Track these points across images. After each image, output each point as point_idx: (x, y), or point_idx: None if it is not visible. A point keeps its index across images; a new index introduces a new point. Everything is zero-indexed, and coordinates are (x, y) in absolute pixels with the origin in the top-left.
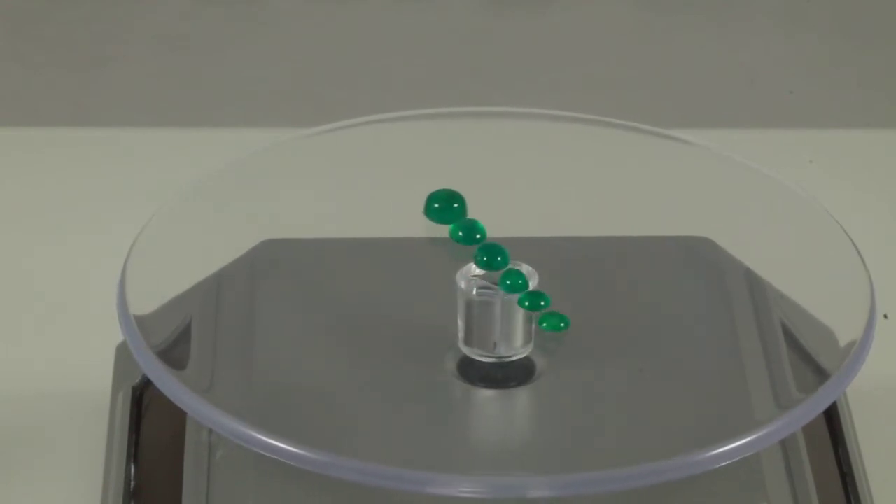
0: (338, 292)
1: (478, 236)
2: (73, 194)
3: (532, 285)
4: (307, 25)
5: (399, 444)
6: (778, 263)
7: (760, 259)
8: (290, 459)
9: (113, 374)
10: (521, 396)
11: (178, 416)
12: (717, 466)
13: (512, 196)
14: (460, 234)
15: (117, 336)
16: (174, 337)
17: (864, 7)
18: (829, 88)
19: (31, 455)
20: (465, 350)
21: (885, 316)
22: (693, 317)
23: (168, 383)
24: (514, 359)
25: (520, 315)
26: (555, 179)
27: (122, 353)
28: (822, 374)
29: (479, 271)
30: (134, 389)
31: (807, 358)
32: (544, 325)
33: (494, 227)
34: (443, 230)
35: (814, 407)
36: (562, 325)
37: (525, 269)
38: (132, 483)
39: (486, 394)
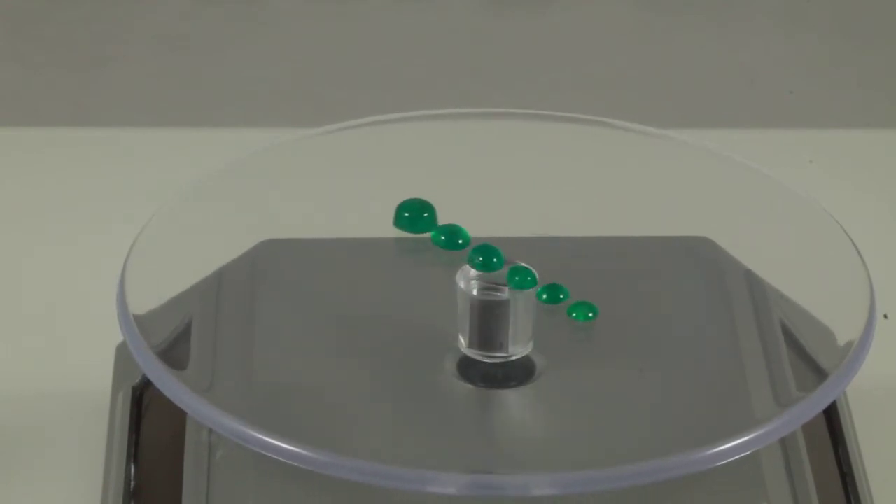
0: (338, 292)
1: (460, 241)
2: (73, 194)
3: (531, 286)
4: (307, 25)
5: (399, 443)
6: (778, 263)
7: (760, 259)
8: (290, 459)
9: (113, 374)
10: (521, 396)
11: (178, 416)
12: (717, 465)
13: (511, 196)
14: (442, 238)
15: (117, 336)
16: (174, 337)
17: (864, 7)
18: (829, 88)
19: (31, 455)
20: (465, 350)
21: (885, 316)
22: (693, 317)
23: (168, 383)
24: (514, 359)
25: (520, 315)
26: (555, 179)
27: (122, 353)
28: (821, 374)
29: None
30: (134, 389)
31: (806, 358)
32: (574, 314)
33: (494, 227)
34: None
35: (813, 405)
36: (590, 314)
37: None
38: (132, 483)
39: (486, 394)
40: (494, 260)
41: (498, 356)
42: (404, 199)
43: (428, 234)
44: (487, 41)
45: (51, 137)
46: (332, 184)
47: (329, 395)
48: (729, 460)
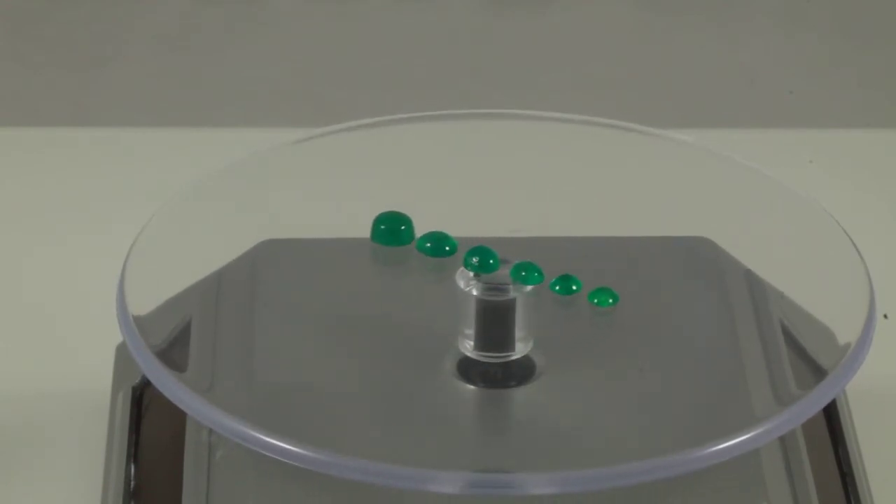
0: (338, 292)
1: (447, 248)
2: (73, 194)
3: (530, 286)
4: (307, 25)
5: (399, 443)
6: (778, 263)
7: (760, 259)
8: (291, 459)
9: (113, 374)
10: (521, 396)
11: (178, 416)
12: (718, 463)
13: (511, 196)
14: (428, 245)
15: (117, 336)
16: (174, 337)
17: (864, 7)
18: (829, 88)
19: (31, 455)
20: (465, 350)
21: (885, 316)
22: (693, 317)
23: (167, 384)
24: (514, 358)
25: (519, 314)
26: (555, 179)
27: (122, 353)
28: (821, 374)
29: None
30: (134, 389)
31: (806, 357)
32: (596, 301)
33: (494, 227)
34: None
35: (813, 404)
36: (611, 300)
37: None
38: (132, 483)
39: (486, 393)
40: (490, 261)
41: (498, 356)
42: (403, 199)
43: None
44: (487, 41)
45: (51, 137)
46: (332, 184)
47: (329, 395)
48: (729, 458)
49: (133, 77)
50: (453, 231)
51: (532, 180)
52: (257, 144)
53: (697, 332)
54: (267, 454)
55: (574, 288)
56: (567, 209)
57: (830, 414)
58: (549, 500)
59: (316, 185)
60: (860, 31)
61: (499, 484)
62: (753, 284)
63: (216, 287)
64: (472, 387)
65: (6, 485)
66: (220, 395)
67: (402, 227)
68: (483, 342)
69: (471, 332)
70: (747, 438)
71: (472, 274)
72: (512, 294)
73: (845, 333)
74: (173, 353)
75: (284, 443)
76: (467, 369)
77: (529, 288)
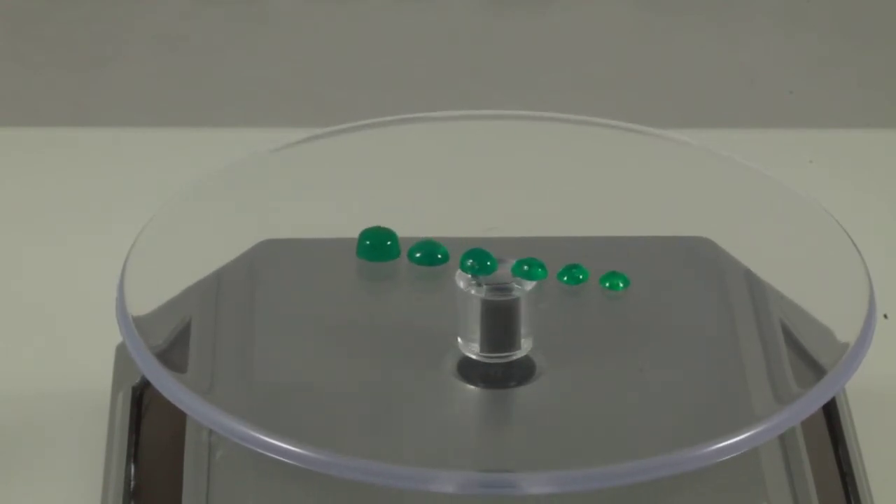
0: (337, 292)
1: (439, 256)
2: (73, 194)
3: (529, 287)
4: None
5: (399, 443)
6: (778, 263)
7: (760, 259)
8: (291, 459)
9: (113, 374)
10: (521, 396)
11: (178, 416)
12: (718, 461)
13: (512, 196)
14: (418, 255)
15: (117, 336)
16: (173, 337)
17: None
18: (829, 88)
19: (31, 455)
20: (465, 350)
21: (885, 316)
22: (693, 317)
23: (167, 384)
24: (513, 358)
25: (519, 314)
26: (555, 179)
27: (122, 353)
28: (821, 373)
29: None
30: (134, 389)
31: (806, 357)
32: (607, 284)
33: (494, 228)
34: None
35: (813, 402)
36: (621, 284)
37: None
38: (132, 483)
39: (486, 393)
40: (488, 263)
41: (498, 356)
42: (403, 199)
43: (428, 235)
44: (487, 41)
45: (51, 137)
46: (331, 184)
47: (329, 395)
48: (729, 457)
49: (133, 77)
50: (453, 231)
51: (532, 180)
52: (257, 144)
53: (697, 331)
54: (267, 454)
55: (581, 277)
56: (567, 209)
57: (830, 414)
58: (550, 500)
59: (316, 185)
60: (860, 31)
61: (499, 484)
62: (753, 284)
63: (216, 287)
64: (472, 387)
65: (6, 485)
66: (220, 395)
67: (388, 243)
68: (483, 342)
69: (470, 332)
70: (747, 437)
71: (470, 275)
72: (511, 294)
73: (845, 333)
74: (173, 353)
75: (284, 443)
76: (467, 369)
77: (530, 287)
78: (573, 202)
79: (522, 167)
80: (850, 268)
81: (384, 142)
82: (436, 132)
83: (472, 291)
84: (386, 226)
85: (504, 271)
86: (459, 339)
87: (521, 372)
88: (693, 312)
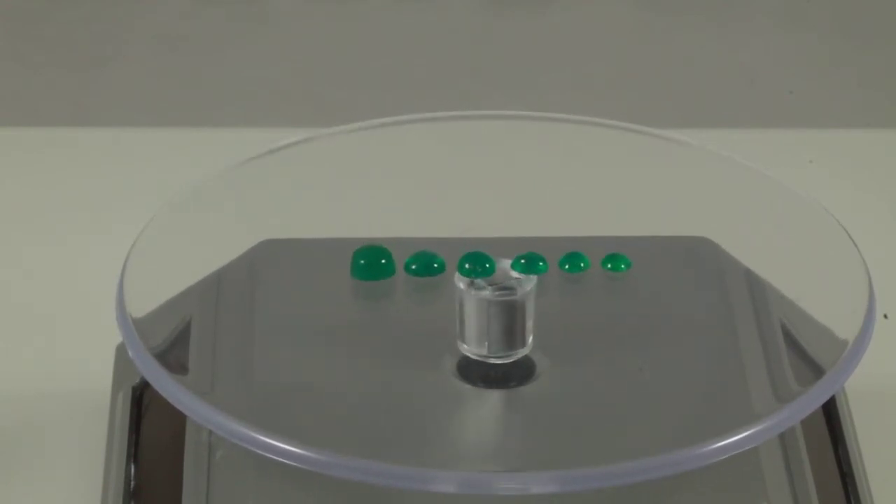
0: (337, 292)
1: (435, 265)
2: (73, 194)
3: (529, 287)
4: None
5: (399, 443)
6: (778, 263)
7: (760, 259)
8: (291, 459)
9: (113, 374)
10: (521, 396)
11: (178, 416)
12: (718, 460)
13: (512, 196)
14: (413, 267)
15: (117, 336)
16: (174, 337)
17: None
18: (829, 88)
19: (31, 455)
20: (465, 350)
21: (886, 316)
22: (693, 317)
23: (166, 385)
24: (513, 359)
25: (520, 314)
26: (555, 179)
27: (122, 353)
28: (821, 372)
29: None
30: (134, 389)
31: (806, 357)
32: (609, 265)
33: (494, 228)
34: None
35: (812, 400)
36: (623, 265)
37: None
38: (132, 483)
39: (486, 394)
40: (486, 265)
41: (497, 356)
42: (403, 199)
43: (427, 236)
44: (487, 41)
45: (51, 137)
46: (331, 184)
47: (329, 395)
48: (729, 455)
49: (133, 77)
50: (453, 231)
51: (532, 180)
52: (257, 144)
53: (697, 331)
54: (267, 455)
55: (582, 265)
56: (567, 209)
57: (830, 413)
58: (550, 500)
59: (316, 185)
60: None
61: (499, 484)
62: (753, 284)
63: (216, 287)
64: (472, 387)
65: (6, 485)
66: (220, 396)
67: (383, 261)
68: (482, 342)
69: (470, 332)
70: (747, 436)
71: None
72: (510, 294)
73: (845, 332)
74: (173, 354)
75: (284, 443)
76: (467, 369)
77: (529, 287)
78: (573, 202)
79: (522, 167)
80: (850, 267)
81: (384, 142)
82: (436, 132)
83: (472, 292)
84: (386, 225)
85: (502, 271)
86: (459, 340)
87: (521, 372)
88: (693, 312)
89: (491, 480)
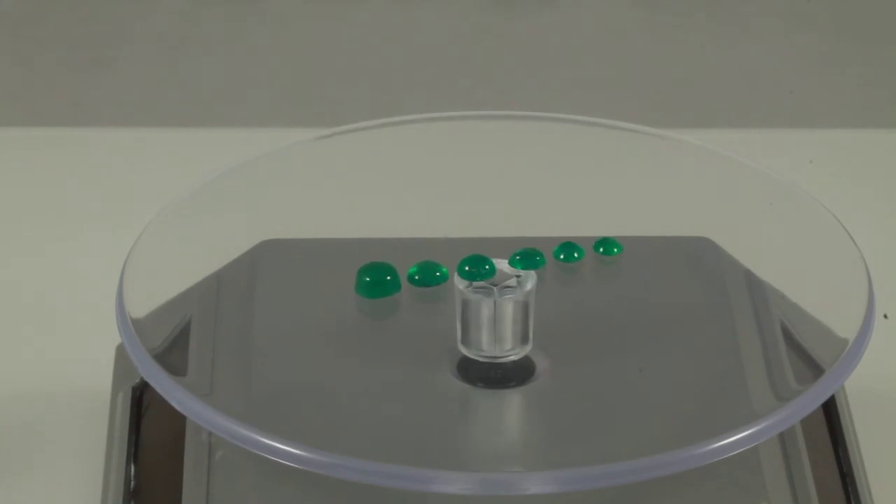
0: (338, 292)
1: (437, 274)
2: (73, 194)
3: (529, 286)
4: (307, 25)
5: (399, 443)
6: (778, 263)
7: (760, 259)
8: (290, 461)
9: (113, 374)
10: (521, 396)
11: (178, 416)
12: (718, 459)
13: (512, 196)
14: (417, 278)
15: (117, 336)
16: (174, 337)
17: (864, 7)
18: (829, 88)
19: (31, 455)
20: (465, 350)
21: (886, 316)
22: (693, 317)
23: (166, 387)
24: (513, 359)
25: (519, 314)
26: (554, 179)
27: (122, 353)
28: (820, 372)
29: None
30: (134, 389)
31: (806, 357)
32: (601, 249)
33: (494, 228)
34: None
35: (812, 400)
36: (615, 249)
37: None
38: (132, 483)
39: (486, 394)
40: (486, 267)
41: (497, 356)
42: (403, 199)
43: (427, 236)
44: (487, 41)
45: (51, 137)
46: (331, 184)
47: (329, 395)
48: (729, 455)
49: (133, 77)
50: (453, 231)
51: (532, 180)
52: (257, 144)
53: (697, 331)
54: (266, 456)
55: (576, 255)
56: (567, 209)
57: (830, 414)
58: (550, 500)
59: (316, 185)
60: (860, 31)
61: (499, 484)
62: (753, 284)
63: (216, 287)
64: (472, 387)
65: (6, 485)
66: (220, 397)
67: (388, 278)
68: (482, 342)
69: (470, 332)
70: (747, 435)
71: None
72: (510, 294)
73: (844, 331)
74: (173, 354)
75: (284, 445)
76: (467, 369)
77: (530, 287)
78: (573, 202)
79: (522, 167)
80: (850, 267)
81: (384, 142)
82: (436, 132)
83: (471, 292)
84: (386, 225)
85: (502, 272)
86: (459, 340)
87: (521, 372)
88: (693, 312)
89: (491, 481)
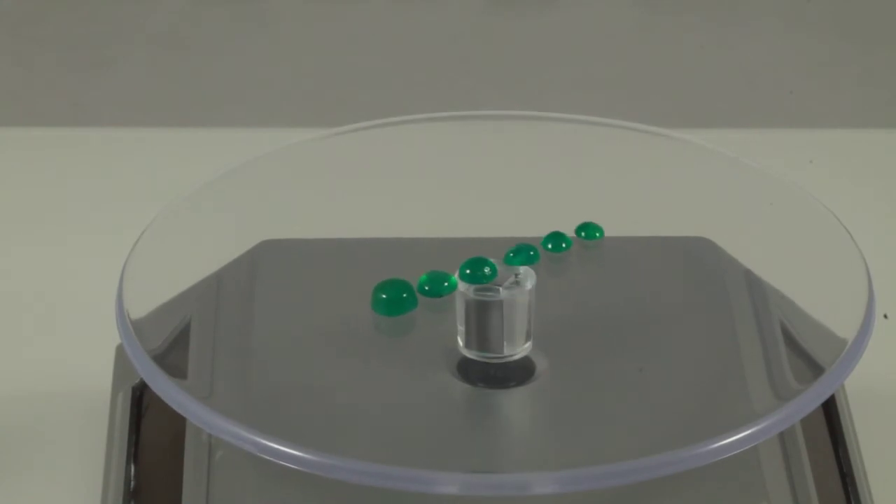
0: (338, 292)
1: (446, 284)
2: (73, 194)
3: (529, 286)
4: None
5: (399, 444)
6: (778, 263)
7: (760, 259)
8: (290, 462)
9: (113, 374)
10: (521, 396)
11: (178, 416)
12: (718, 459)
13: (512, 196)
14: (427, 288)
15: (117, 336)
16: (174, 337)
17: (864, 7)
18: (829, 88)
19: (31, 455)
20: (465, 350)
21: (886, 316)
22: (693, 317)
23: (165, 388)
24: (513, 359)
25: (519, 314)
26: (554, 179)
27: (122, 353)
28: (820, 372)
29: None
30: (134, 389)
31: (805, 357)
32: (583, 234)
33: (494, 228)
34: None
35: (812, 399)
36: (597, 234)
37: (522, 269)
38: (132, 483)
39: (486, 394)
40: (486, 270)
41: (497, 356)
42: (403, 199)
43: (427, 236)
44: (487, 41)
45: (51, 137)
46: (331, 184)
47: (329, 396)
48: (730, 455)
49: (133, 77)
50: (453, 231)
51: (532, 180)
52: (257, 144)
53: (697, 331)
54: (267, 458)
55: (564, 245)
56: (567, 209)
57: (830, 414)
58: (550, 500)
59: (316, 185)
60: (860, 31)
61: (500, 485)
62: (753, 284)
63: (216, 287)
64: (471, 387)
65: (6, 485)
66: (219, 398)
67: (405, 295)
68: (482, 342)
69: (470, 332)
70: (746, 435)
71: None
72: (510, 294)
73: (844, 331)
74: (172, 355)
75: (284, 446)
76: (467, 369)
77: (529, 287)
78: (573, 202)
79: (522, 167)
80: (850, 267)
81: (384, 142)
82: (436, 132)
83: (472, 293)
84: (386, 225)
85: (503, 273)
86: (459, 340)
87: (521, 372)
88: (693, 312)
89: (491, 481)
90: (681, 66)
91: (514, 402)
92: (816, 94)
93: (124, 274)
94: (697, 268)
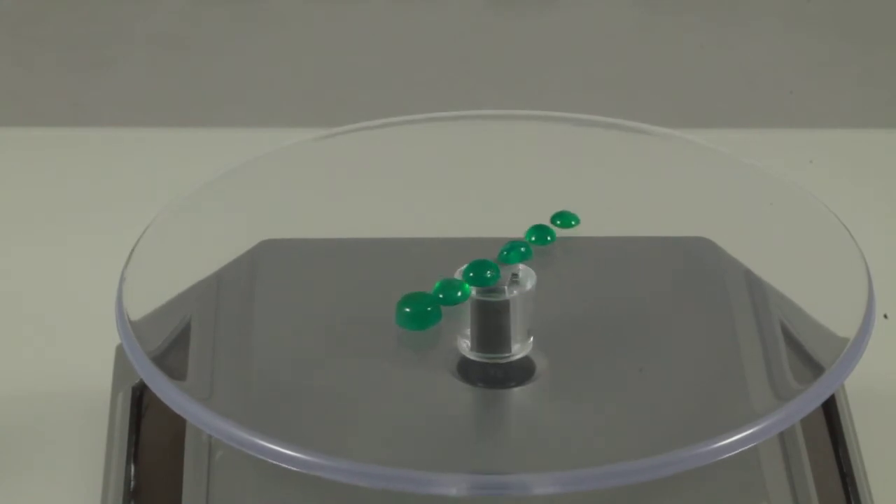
0: (338, 292)
1: (459, 294)
2: (73, 194)
3: (529, 286)
4: (308, 25)
5: (399, 444)
6: (778, 263)
7: (760, 259)
8: (290, 463)
9: (113, 374)
10: (521, 396)
11: (177, 417)
12: (718, 459)
13: (512, 196)
14: (441, 296)
15: (117, 336)
16: (173, 337)
17: (864, 7)
18: (829, 88)
19: (31, 455)
20: (465, 350)
21: (886, 316)
22: (693, 317)
23: (165, 389)
24: (513, 359)
25: (521, 315)
26: (555, 179)
27: (122, 353)
28: (820, 371)
29: None
30: (134, 390)
31: (805, 357)
32: (558, 222)
33: (494, 228)
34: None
35: (812, 399)
36: (573, 222)
37: (521, 269)
38: (132, 483)
39: (486, 394)
40: (488, 273)
41: (497, 356)
42: (403, 199)
43: (428, 236)
44: (488, 41)
45: (51, 137)
46: (332, 184)
47: (329, 396)
48: (730, 455)
49: (133, 77)
50: (453, 231)
51: (532, 180)
52: (257, 144)
53: (697, 331)
54: (267, 459)
55: (549, 239)
56: (567, 209)
57: (830, 414)
58: (550, 500)
59: (316, 185)
60: (860, 31)
61: (500, 485)
62: (753, 284)
63: (216, 287)
64: (472, 387)
65: (6, 485)
66: (219, 399)
67: (429, 309)
68: (482, 342)
69: (470, 332)
70: (746, 435)
71: None
72: (510, 295)
73: (844, 331)
74: (172, 355)
75: (284, 448)
76: (467, 369)
77: (529, 287)
78: (573, 202)
79: (522, 167)
80: (850, 267)
81: (384, 142)
82: (436, 132)
83: (475, 294)
84: (386, 225)
85: (503, 273)
86: (459, 340)
87: (521, 372)
88: (693, 312)
89: (491, 482)
90: (681, 66)
91: (514, 402)
92: (816, 94)
93: (124, 274)
94: (697, 268)
